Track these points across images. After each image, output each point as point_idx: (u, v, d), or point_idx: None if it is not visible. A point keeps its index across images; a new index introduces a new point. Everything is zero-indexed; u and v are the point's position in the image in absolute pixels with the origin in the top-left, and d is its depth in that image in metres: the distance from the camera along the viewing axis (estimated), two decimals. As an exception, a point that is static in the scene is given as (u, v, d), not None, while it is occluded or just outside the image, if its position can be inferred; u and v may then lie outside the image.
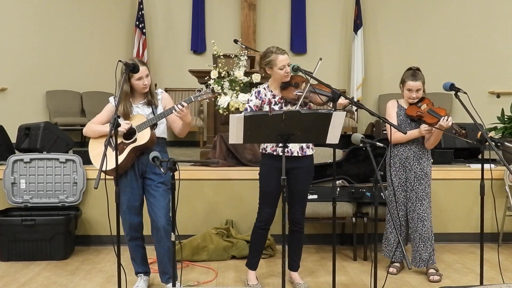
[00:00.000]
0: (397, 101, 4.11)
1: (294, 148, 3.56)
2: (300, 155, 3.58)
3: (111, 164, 3.07)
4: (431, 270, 4.02)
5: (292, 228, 3.74)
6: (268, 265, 4.34)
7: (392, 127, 3.36)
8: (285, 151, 3.40)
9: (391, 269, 4.05)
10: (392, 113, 4.07)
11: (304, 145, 3.59)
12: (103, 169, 3.05)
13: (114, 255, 3.05)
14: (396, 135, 3.90)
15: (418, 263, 4.04)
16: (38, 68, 7.80)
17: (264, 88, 3.66)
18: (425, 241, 3.99)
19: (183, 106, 3.34)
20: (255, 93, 3.66)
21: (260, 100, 3.61)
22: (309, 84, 3.42)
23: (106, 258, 4.55)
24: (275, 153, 3.56)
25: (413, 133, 3.93)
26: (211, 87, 3.47)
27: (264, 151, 3.63)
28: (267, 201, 3.65)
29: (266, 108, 3.56)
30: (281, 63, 3.50)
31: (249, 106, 3.62)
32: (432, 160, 4.08)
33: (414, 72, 3.95)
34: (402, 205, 4.04)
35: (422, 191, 3.98)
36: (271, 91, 3.63)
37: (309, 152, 3.63)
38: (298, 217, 3.71)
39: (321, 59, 3.46)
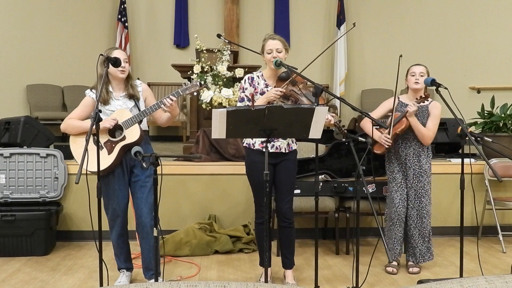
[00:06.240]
0: (398, 97, 4.04)
1: (282, 145, 3.53)
2: (287, 151, 3.56)
3: (100, 165, 3.07)
4: (410, 263, 4.07)
5: (281, 224, 3.64)
6: (251, 259, 4.36)
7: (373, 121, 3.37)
8: (274, 147, 3.48)
9: (389, 269, 4.02)
10: (385, 104, 4.07)
11: (290, 140, 3.57)
12: (93, 170, 3.09)
13: (96, 251, 3.03)
14: (363, 122, 4.04)
15: (418, 259, 4.05)
16: (18, 61, 7.67)
17: (258, 76, 3.56)
18: (424, 237, 4.01)
19: (172, 100, 3.32)
20: (248, 79, 3.55)
21: (253, 87, 3.53)
22: (299, 86, 3.40)
23: (88, 254, 4.51)
24: (264, 149, 3.50)
25: (376, 133, 3.97)
26: (198, 80, 3.44)
27: (252, 147, 3.55)
28: (259, 196, 3.54)
29: (258, 97, 3.47)
30: (268, 47, 3.47)
31: (245, 95, 3.52)
32: (431, 156, 4.06)
33: (417, 64, 4.00)
34: (405, 201, 4.02)
35: (421, 188, 3.98)
36: (265, 80, 3.56)
37: (294, 146, 3.62)
38: (286, 210, 3.58)
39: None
